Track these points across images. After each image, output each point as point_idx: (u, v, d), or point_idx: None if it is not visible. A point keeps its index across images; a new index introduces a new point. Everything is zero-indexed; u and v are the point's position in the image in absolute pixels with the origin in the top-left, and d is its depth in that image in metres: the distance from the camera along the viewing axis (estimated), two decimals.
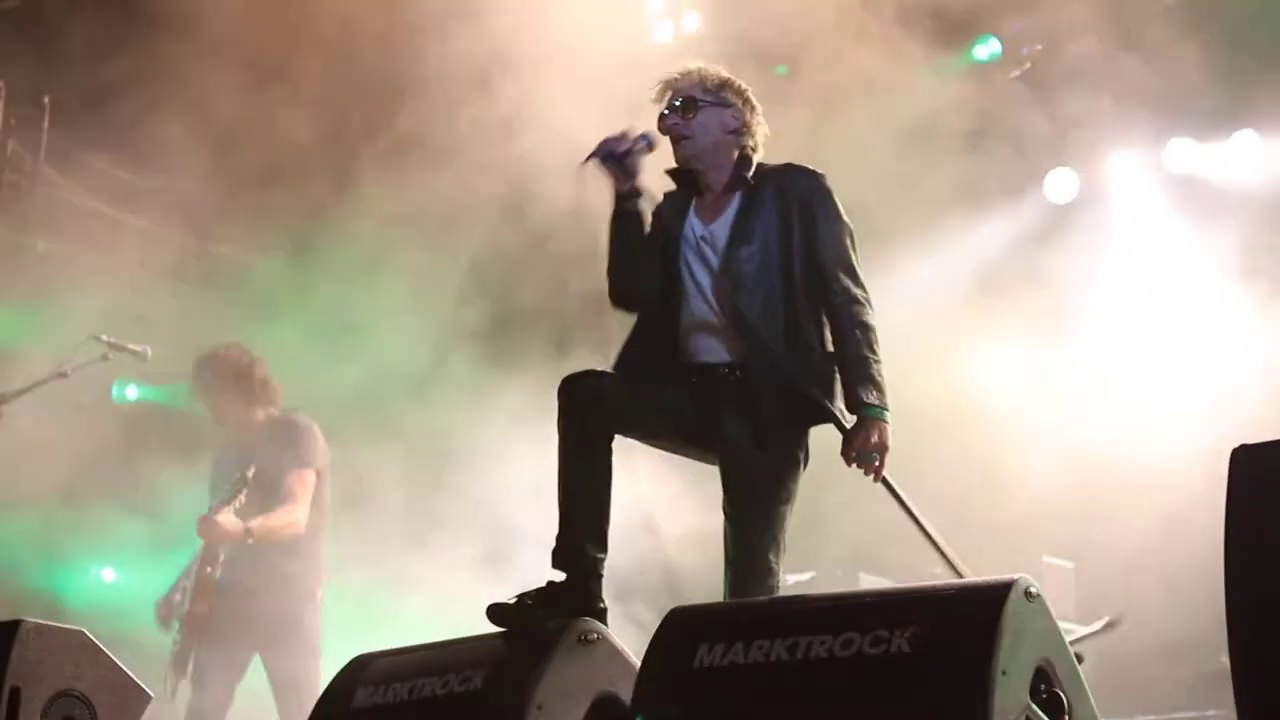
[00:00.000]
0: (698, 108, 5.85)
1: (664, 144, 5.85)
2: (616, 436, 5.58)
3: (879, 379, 5.62)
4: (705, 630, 4.60)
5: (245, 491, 8.44)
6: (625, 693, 4.87)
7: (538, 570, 5.52)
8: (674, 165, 5.89)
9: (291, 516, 8.57)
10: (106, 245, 11.08)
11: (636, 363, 5.75)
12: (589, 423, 5.51)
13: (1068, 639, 4.38)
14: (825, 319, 5.70)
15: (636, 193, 5.73)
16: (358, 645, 5.72)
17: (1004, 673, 4.05)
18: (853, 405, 5.58)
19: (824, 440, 5.68)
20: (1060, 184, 11.53)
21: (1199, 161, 11.06)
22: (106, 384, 10.90)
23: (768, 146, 5.98)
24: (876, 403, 5.58)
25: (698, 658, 4.52)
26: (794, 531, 5.60)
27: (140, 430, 10.89)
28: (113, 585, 11.07)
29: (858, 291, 5.71)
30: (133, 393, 11.28)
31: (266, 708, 8.64)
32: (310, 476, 8.69)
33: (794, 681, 4.34)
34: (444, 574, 9.74)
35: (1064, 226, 11.31)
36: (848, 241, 5.78)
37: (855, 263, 5.76)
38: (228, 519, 8.39)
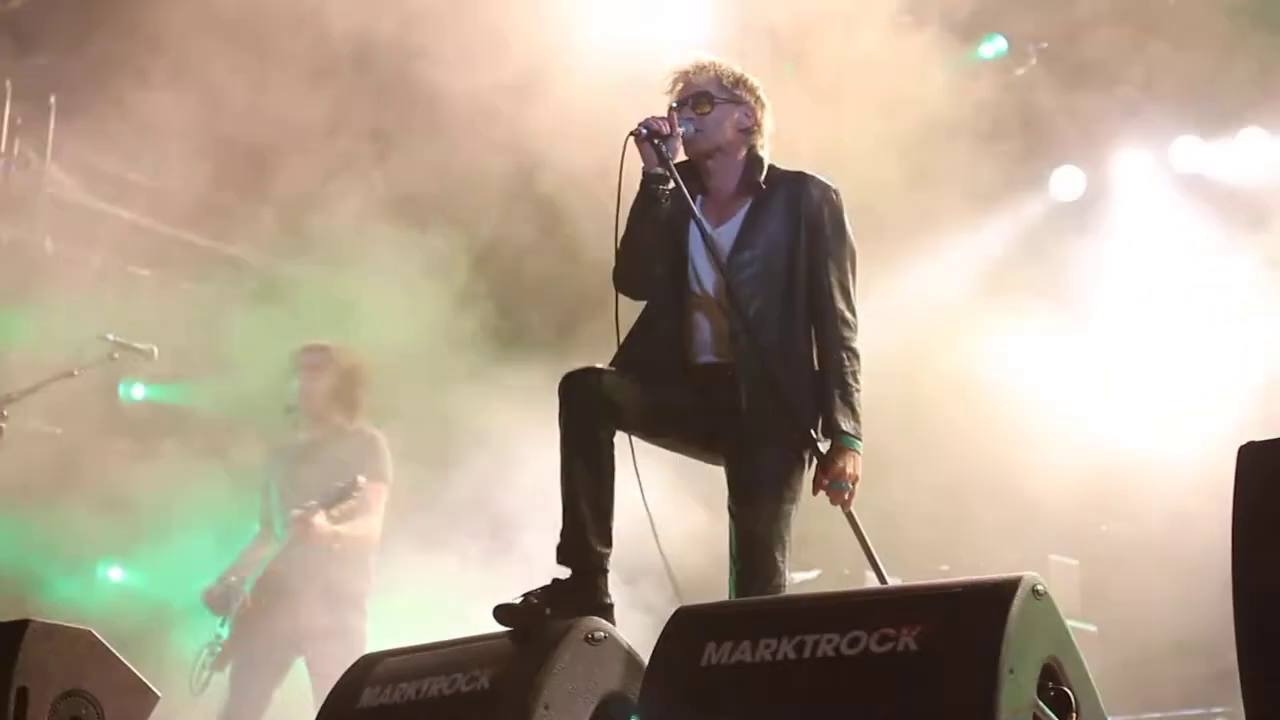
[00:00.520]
0: (713, 104, 5.83)
1: None
2: (618, 434, 5.58)
3: (857, 408, 5.63)
4: (712, 629, 4.60)
5: (351, 500, 8.51)
6: (633, 691, 4.88)
7: (542, 563, 5.54)
8: (681, 160, 5.86)
9: (370, 529, 8.75)
10: (113, 245, 11.08)
11: (639, 361, 5.73)
12: (589, 419, 5.50)
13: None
14: (815, 337, 5.69)
15: (665, 178, 5.68)
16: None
17: (1011, 671, 4.05)
18: (829, 430, 5.57)
19: None
20: (1067, 181, 11.53)
21: (1205, 159, 11.05)
22: (113, 383, 10.90)
23: (774, 143, 5.96)
24: (852, 432, 5.59)
25: (705, 656, 4.51)
26: (800, 530, 5.60)
27: (147, 429, 10.90)
28: (120, 585, 11.08)
29: (850, 316, 5.72)
30: (139, 392, 11.29)
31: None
32: (385, 491, 8.84)
33: (801, 680, 4.34)
34: (449, 569, 9.74)
35: (1070, 224, 11.31)
36: (849, 264, 5.78)
37: (852, 286, 5.76)
38: (322, 522, 8.45)
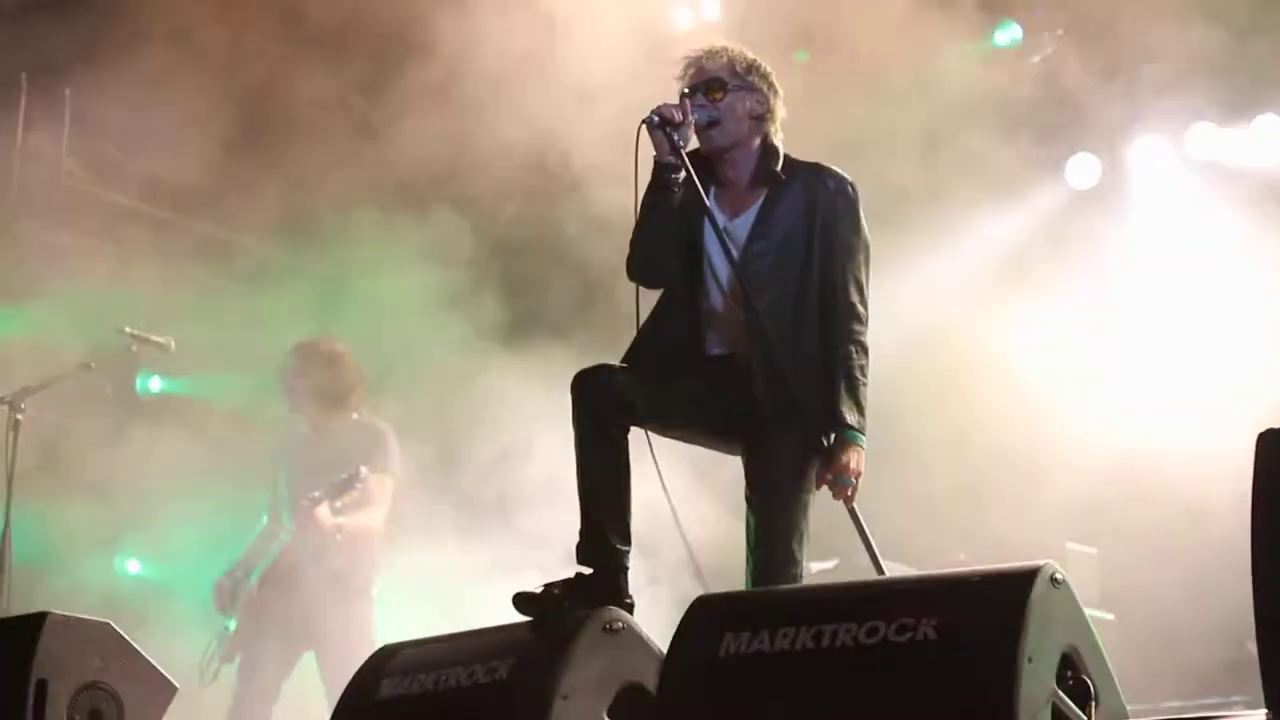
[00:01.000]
0: (725, 90, 5.80)
1: None
2: (633, 429, 5.57)
3: (863, 402, 5.60)
4: (731, 619, 4.60)
5: (355, 492, 8.52)
6: (651, 682, 4.88)
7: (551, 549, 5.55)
8: (693, 148, 5.84)
9: (373, 520, 8.73)
10: (130, 238, 11.09)
11: (652, 354, 5.71)
12: (602, 417, 5.50)
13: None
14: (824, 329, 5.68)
15: (678, 167, 5.65)
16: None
17: (1030, 660, 4.05)
18: (834, 422, 5.54)
19: None
20: (1083, 169, 11.50)
21: (1221, 146, 11.02)
22: (131, 376, 10.91)
23: (787, 132, 5.95)
24: (856, 425, 5.56)
25: (723, 646, 4.52)
26: (819, 519, 5.60)
27: (164, 422, 10.91)
28: (138, 577, 11.09)
29: (861, 310, 5.69)
30: (156, 385, 11.29)
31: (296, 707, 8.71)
32: (390, 484, 8.83)
33: (820, 670, 4.34)
34: (464, 561, 9.75)
35: (1087, 212, 11.28)
36: (861, 257, 5.75)
37: (865, 280, 5.74)
38: (325, 514, 8.45)
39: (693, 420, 5.73)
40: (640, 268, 5.79)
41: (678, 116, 5.61)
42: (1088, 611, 4.42)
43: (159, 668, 5.90)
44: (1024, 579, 4.19)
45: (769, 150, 5.83)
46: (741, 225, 5.76)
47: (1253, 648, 4.05)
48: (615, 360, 5.68)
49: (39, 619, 5.66)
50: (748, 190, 5.82)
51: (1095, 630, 4.39)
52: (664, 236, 5.72)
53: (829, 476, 5.50)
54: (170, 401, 11.25)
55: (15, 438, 8.96)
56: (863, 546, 5.66)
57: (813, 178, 5.78)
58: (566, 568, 5.52)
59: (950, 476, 10.27)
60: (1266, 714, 4.00)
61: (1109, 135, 11.26)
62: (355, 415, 9.04)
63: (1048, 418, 10.40)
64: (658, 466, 5.63)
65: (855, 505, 5.57)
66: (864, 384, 5.61)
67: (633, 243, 5.76)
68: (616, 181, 5.82)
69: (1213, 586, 8.93)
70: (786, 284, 5.66)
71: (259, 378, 10.28)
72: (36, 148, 11.09)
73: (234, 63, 10.54)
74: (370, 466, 8.65)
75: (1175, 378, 10.58)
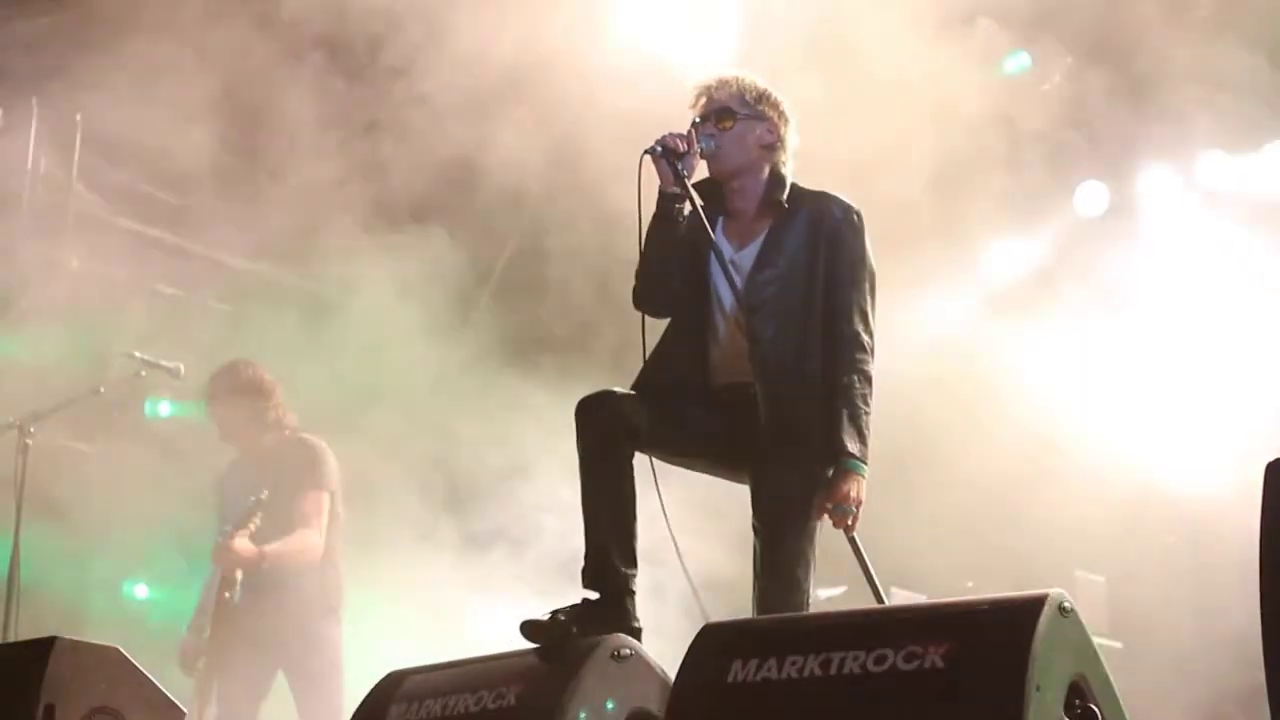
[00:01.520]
0: (734, 119, 5.81)
1: None
2: (638, 455, 5.58)
3: (865, 431, 5.60)
4: (739, 646, 4.59)
5: (260, 515, 8.44)
6: (659, 709, 4.88)
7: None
8: (702, 177, 5.84)
9: (306, 541, 8.56)
10: (139, 262, 11.11)
11: (659, 381, 5.72)
12: (608, 442, 5.50)
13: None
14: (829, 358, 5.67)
15: (682, 197, 5.66)
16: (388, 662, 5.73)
17: (1038, 688, 4.04)
18: (835, 451, 5.54)
19: None
20: (1091, 197, 11.50)
21: (1230, 174, 11.02)
22: (140, 401, 10.92)
23: (800, 159, 5.95)
24: (858, 455, 5.56)
25: (731, 673, 4.51)
26: (826, 546, 5.60)
27: (173, 447, 10.92)
28: (146, 601, 11.10)
29: (865, 338, 5.69)
30: (165, 409, 11.30)
31: None
32: (324, 499, 8.68)
33: (827, 697, 4.33)
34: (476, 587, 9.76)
35: (1095, 239, 11.29)
36: (867, 286, 5.75)
37: (870, 308, 5.74)
38: (243, 545, 8.37)
39: (698, 448, 5.74)
40: (646, 298, 5.80)
41: (682, 146, 5.62)
42: (1096, 640, 4.42)
43: (166, 692, 5.89)
44: (1032, 607, 4.19)
45: (776, 180, 5.83)
46: (747, 255, 5.77)
47: (1262, 676, 4.04)
48: (621, 387, 5.68)
49: (47, 643, 5.66)
50: (754, 219, 5.83)
51: (1103, 659, 4.38)
52: (669, 267, 5.73)
53: (829, 505, 5.50)
54: (179, 426, 11.26)
55: (24, 462, 8.98)
56: (881, 568, 5.66)
57: (818, 206, 5.79)
58: (571, 590, 5.52)
59: (958, 504, 10.26)
60: None
61: (1118, 163, 11.26)
62: (286, 432, 8.96)
63: (1056, 446, 10.40)
64: (659, 493, 5.63)
65: (856, 534, 5.57)
66: (867, 413, 5.60)
67: (638, 273, 5.77)
68: (625, 210, 5.81)
69: (1221, 615, 8.91)
70: (791, 313, 5.66)
71: None
72: (47, 172, 11.12)
73: (243, 85, 10.56)
74: (300, 484, 8.59)
75: (1184, 405, 10.57)
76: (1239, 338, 10.52)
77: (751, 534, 5.59)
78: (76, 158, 11.21)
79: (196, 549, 10.16)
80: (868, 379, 5.64)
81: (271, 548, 8.41)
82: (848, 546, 5.62)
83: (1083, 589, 10.06)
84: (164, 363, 9.41)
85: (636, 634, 5.34)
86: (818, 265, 5.69)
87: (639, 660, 5.10)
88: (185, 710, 5.98)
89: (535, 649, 5.23)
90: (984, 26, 10.63)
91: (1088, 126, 11.13)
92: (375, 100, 10.96)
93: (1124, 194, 11.40)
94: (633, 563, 5.47)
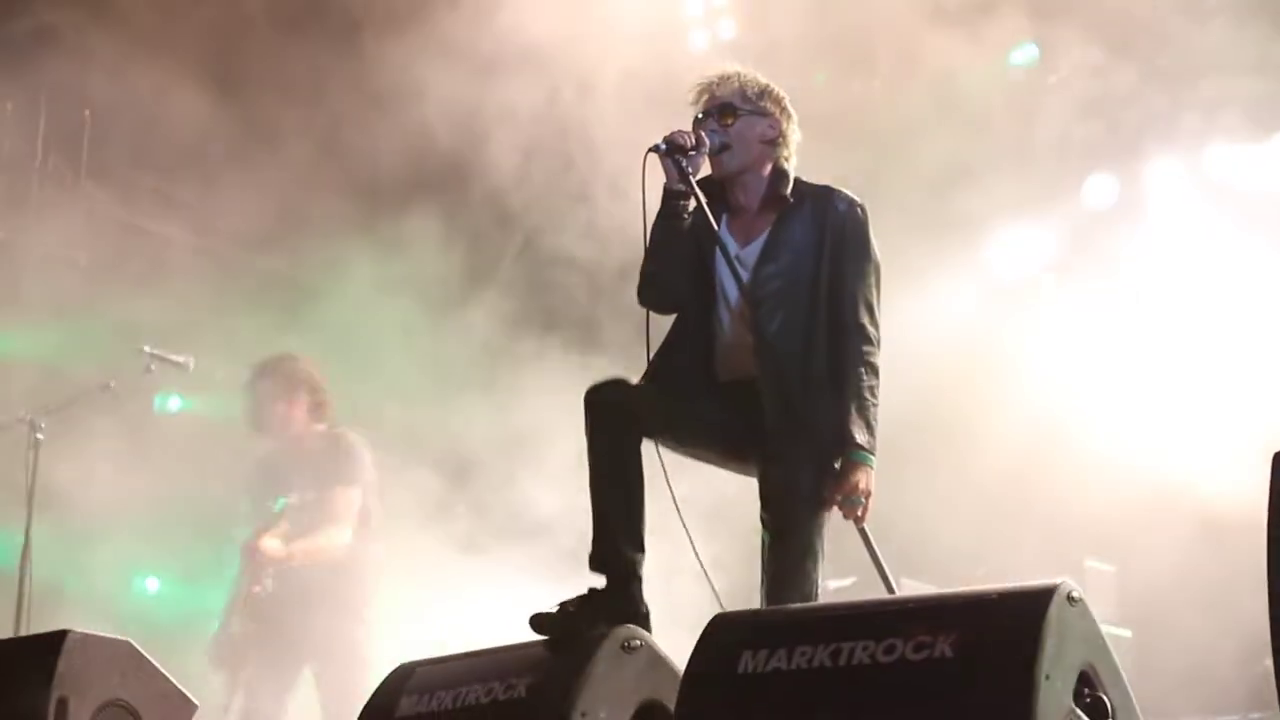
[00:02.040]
0: (736, 115, 5.81)
1: None
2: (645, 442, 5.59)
3: (873, 423, 5.60)
4: (748, 637, 4.61)
5: (288, 515, 8.47)
6: (669, 700, 4.89)
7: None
8: (704, 174, 5.83)
9: (334, 539, 8.60)
10: (148, 258, 11.13)
11: (668, 375, 5.73)
12: (615, 428, 5.51)
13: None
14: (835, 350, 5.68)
15: (688, 194, 5.67)
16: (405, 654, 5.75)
17: (1047, 677, 4.05)
18: (843, 442, 5.54)
19: None
20: (1099, 189, 11.49)
21: (1239, 165, 11.01)
22: (149, 396, 10.94)
23: (804, 155, 5.96)
24: (865, 445, 5.55)
25: (741, 664, 4.53)
26: (835, 537, 5.61)
27: (183, 441, 10.94)
28: (157, 595, 11.13)
29: (871, 330, 5.69)
30: (175, 404, 11.33)
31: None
32: (355, 495, 8.69)
33: (837, 687, 4.35)
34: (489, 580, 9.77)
35: (1104, 232, 11.28)
36: (872, 279, 5.75)
37: (875, 300, 5.74)
38: (271, 545, 8.42)
39: (705, 439, 5.75)
40: (651, 295, 5.81)
41: (688, 143, 5.63)
42: (1106, 629, 4.43)
43: (178, 685, 5.92)
44: (1041, 597, 4.20)
45: (779, 175, 5.84)
46: (752, 250, 5.77)
47: (1271, 664, 4.05)
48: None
49: (59, 637, 5.68)
50: (758, 215, 5.83)
51: (1112, 647, 4.39)
52: (674, 263, 5.74)
53: (838, 497, 5.51)
54: (189, 420, 11.29)
55: (35, 457, 9.01)
56: (889, 560, 5.67)
57: (822, 200, 5.79)
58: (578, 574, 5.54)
59: (968, 494, 10.26)
60: None
61: (1126, 155, 11.25)
62: (323, 427, 8.98)
63: (1066, 436, 10.40)
64: (669, 482, 5.64)
65: (866, 525, 5.58)
66: (874, 405, 5.61)
67: (643, 270, 5.78)
68: (628, 202, 5.82)
69: (1231, 603, 8.90)
70: (796, 307, 5.66)
71: None
72: (55, 168, 11.14)
73: (254, 83, 10.58)
74: (332, 480, 8.61)
75: (1196, 395, 10.56)
76: (1249, 328, 10.51)
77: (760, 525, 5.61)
78: (85, 154, 11.23)
79: (208, 542, 10.20)
80: (874, 371, 5.64)
81: (299, 545, 8.46)
82: (856, 537, 5.62)
83: (1093, 578, 10.06)
84: (173, 357, 9.42)
85: (644, 619, 5.35)
86: (822, 259, 5.70)
87: (648, 651, 5.11)
88: (197, 703, 6.00)
89: (545, 641, 5.24)
90: (993, 18, 10.63)
91: (1096, 118, 11.11)
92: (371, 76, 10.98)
93: (1132, 186, 11.38)
94: (640, 547, 5.47)
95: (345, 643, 8.53)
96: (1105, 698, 4.28)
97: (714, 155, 5.75)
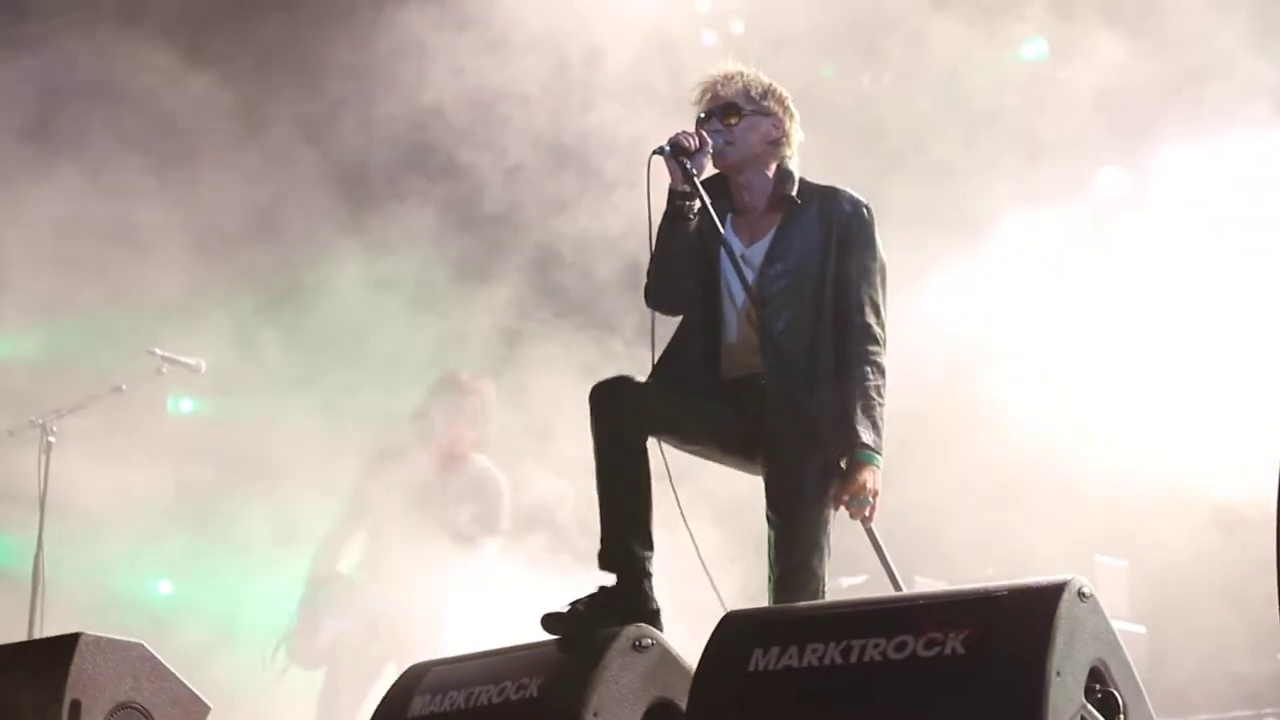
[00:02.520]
0: (740, 115, 5.80)
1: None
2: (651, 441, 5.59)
3: (879, 422, 5.58)
4: (760, 634, 4.62)
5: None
6: (681, 698, 4.90)
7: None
8: (708, 175, 5.82)
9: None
10: (161, 259, 11.13)
11: (675, 374, 5.73)
12: (621, 426, 5.49)
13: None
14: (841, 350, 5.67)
15: (693, 195, 5.66)
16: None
17: (1058, 673, 4.06)
18: (849, 442, 5.52)
19: None
20: (1110, 182, 11.48)
21: (1251, 156, 10.99)
22: (161, 398, 10.95)
23: (810, 152, 5.95)
24: (872, 445, 5.53)
25: (752, 662, 4.54)
26: (847, 535, 5.60)
27: (195, 443, 10.95)
28: (170, 597, 11.14)
29: (877, 330, 5.68)
30: (187, 406, 11.35)
31: None
32: (495, 546, 8.80)
33: (848, 684, 4.35)
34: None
35: (1114, 224, 11.26)
36: (878, 278, 5.74)
37: (881, 300, 5.72)
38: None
39: (711, 437, 5.74)
40: (657, 295, 5.81)
41: (692, 144, 5.62)
42: (1118, 625, 4.42)
43: (191, 687, 5.92)
44: (1052, 593, 4.20)
45: (784, 174, 5.83)
46: (757, 250, 5.76)
47: None
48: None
49: (72, 639, 5.69)
50: (764, 215, 5.82)
51: (1124, 643, 4.39)
52: (680, 264, 5.73)
53: (845, 497, 5.50)
54: (202, 422, 11.30)
55: (47, 459, 9.03)
56: (900, 559, 5.66)
57: (828, 200, 5.78)
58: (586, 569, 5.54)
59: (979, 490, 10.25)
60: None
61: (1137, 147, 11.23)
62: (483, 459, 8.98)
63: (1078, 430, 10.38)
64: (672, 481, 5.64)
65: (873, 525, 5.57)
66: (880, 404, 5.59)
67: (649, 271, 5.78)
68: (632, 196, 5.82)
69: (1244, 599, 8.91)
70: (803, 306, 5.65)
71: (291, 398, 10.33)
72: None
73: (271, 81, 10.59)
74: (487, 529, 8.66)
75: (1208, 389, 10.54)
76: (1263, 321, 10.49)
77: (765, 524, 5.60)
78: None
79: (221, 544, 10.21)
80: (881, 370, 5.64)
81: None
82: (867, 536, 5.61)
83: (1105, 574, 10.03)
84: (185, 359, 9.44)
85: (655, 616, 5.35)
86: (828, 259, 5.69)
87: (660, 649, 5.12)
88: (210, 705, 6.01)
89: (557, 640, 5.24)
90: (1003, 12, 10.63)
91: (1106, 112, 11.09)
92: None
93: (1143, 178, 11.36)
94: (649, 545, 5.47)
95: (429, 641, 8.55)
96: (1117, 694, 4.29)
97: (716, 155, 5.75)
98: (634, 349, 5.94)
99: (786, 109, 5.88)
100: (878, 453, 5.54)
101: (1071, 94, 10.96)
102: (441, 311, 10.68)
